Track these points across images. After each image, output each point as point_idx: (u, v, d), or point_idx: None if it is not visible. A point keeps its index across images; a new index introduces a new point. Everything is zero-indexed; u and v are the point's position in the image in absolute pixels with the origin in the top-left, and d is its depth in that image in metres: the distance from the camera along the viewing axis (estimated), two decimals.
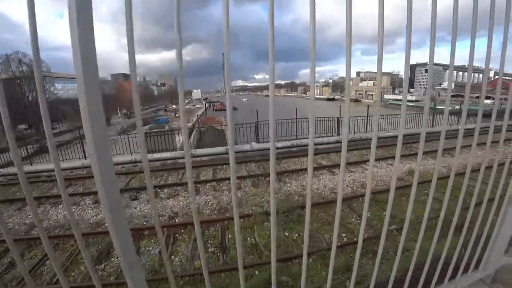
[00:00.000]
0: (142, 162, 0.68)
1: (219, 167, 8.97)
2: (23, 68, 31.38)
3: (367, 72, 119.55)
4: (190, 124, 36.11)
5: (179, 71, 0.66)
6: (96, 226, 5.80)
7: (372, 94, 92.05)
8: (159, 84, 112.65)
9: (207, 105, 76.33)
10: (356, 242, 4.56)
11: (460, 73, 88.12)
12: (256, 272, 3.89)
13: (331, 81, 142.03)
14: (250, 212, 5.68)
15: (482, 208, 1.34)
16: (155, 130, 23.64)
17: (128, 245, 0.73)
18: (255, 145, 10.80)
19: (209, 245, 4.76)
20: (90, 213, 6.37)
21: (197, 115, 48.36)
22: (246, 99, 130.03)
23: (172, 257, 4.53)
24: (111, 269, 4.41)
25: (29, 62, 32.18)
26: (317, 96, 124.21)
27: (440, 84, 79.61)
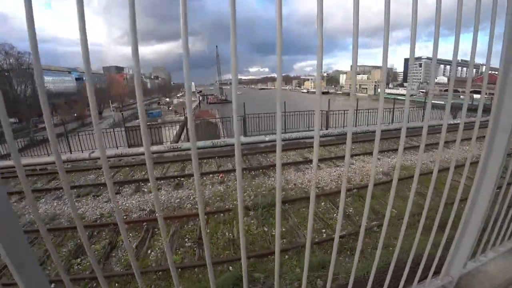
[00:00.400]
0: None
1: (204, 160, 8.93)
2: (11, 61, 30.56)
3: (362, 65, 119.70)
4: (183, 118, 35.98)
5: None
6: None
7: (366, 88, 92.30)
8: (152, 77, 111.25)
9: (201, 98, 75.82)
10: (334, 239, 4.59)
11: (459, 68, 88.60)
12: (230, 268, 3.89)
13: (325, 74, 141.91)
14: (231, 206, 5.68)
15: (440, 207, 1.26)
16: (148, 123, 23.44)
17: (15, 241, 0.68)
18: (242, 139, 10.75)
19: (186, 239, 4.75)
20: None
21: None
22: (241, 92, 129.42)
23: (149, 251, 4.51)
24: (87, 263, 4.39)
25: (16, 54, 31.42)
26: (312, 90, 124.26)
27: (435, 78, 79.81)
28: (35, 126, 34.30)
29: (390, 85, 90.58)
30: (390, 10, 0.78)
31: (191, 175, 7.59)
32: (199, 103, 64.48)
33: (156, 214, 0.72)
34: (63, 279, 0.83)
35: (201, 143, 10.35)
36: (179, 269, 3.91)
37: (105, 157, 0.68)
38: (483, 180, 1.35)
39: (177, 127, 15.90)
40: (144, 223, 5.30)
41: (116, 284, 3.78)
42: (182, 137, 19.71)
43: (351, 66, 0.77)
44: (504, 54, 1.07)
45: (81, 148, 11.04)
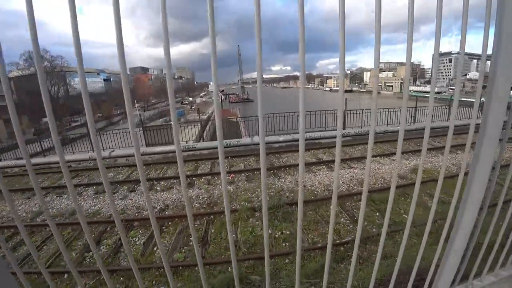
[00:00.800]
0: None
1: (218, 161, 9.04)
2: (45, 64, 32.95)
3: (387, 62, 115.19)
4: (205, 117, 36.81)
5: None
6: (93, 215, 6.06)
7: (392, 86, 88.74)
8: (176, 77, 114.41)
9: (223, 97, 76.90)
10: (339, 245, 4.45)
11: (488, 62, 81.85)
12: (229, 269, 3.92)
13: (349, 72, 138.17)
14: (237, 207, 5.71)
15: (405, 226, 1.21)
16: (170, 122, 24.35)
17: None
18: (256, 139, 10.76)
19: (191, 238, 4.86)
20: (90, 203, 6.67)
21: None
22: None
23: (155, 248, 4.67)
24: (100, 256, 4.62)
25: (50, 58, 33.98)
26: (335, 88, 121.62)
27: (466, 74, 75.08)
28: (68, 124, 36.69)
29: (418, 82, 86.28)
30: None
31: (203, 175, 7.74)
32: (221, 102, 65.37)
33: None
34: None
35: (215, 143, 10.51)
36: (180, 267, 4.02)
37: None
38: (469, 194, 1.25)
39: (194, 126, 16.17)
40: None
41: (121, 278, 3.95)
42: (204, 136, 20.14)
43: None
44: (495, 52, 0.99)
45: (103, 147, 11.61)
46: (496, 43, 0.97)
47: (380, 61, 0.77)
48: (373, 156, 8.78)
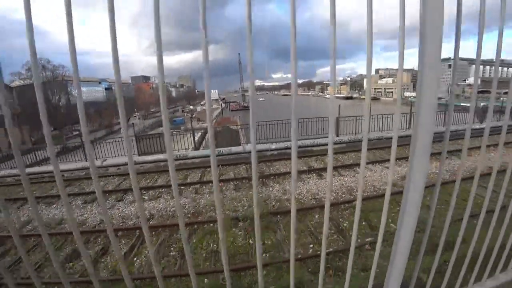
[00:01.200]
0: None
1: (208, 169, 9.05)
2: (46, 74, 33.59)
3: (387, 69, 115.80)
4: (205, 125, 36.95)
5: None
6: (78, 226, 6.04)
7: (392, 92, 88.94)
8: (177, 86, 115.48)
9: (223, 105, 77.38)
10: (319, 256, 4.38)
11: (488, 67, 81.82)
12: (206, 280, 3.88)
13: (349, 79, 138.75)
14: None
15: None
16: (171, 131, 24.50)
17: None
18: (248, 147, 10.78)
19: (172, 248, 4.83)
20: (77, 212, 6.66)
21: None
22: (263, 99, 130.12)
23: (135, 258, 4.64)
24: (80, 267, 4.59)
25: (52, 67, 34.61)
26: (336, 95, 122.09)
27: (465, 80, 75.17)
28: (70, 132, 36.98)
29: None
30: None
31: (192, 184, 7.74)
32: (222, 110, 65.65)
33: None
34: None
35: (206, 151, 10.54)
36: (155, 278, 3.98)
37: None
38: (404, 214, 1.18)
39: (190, 134, 16.28)
40: (137, 231, 5.46)
41: None
42: (204, 144, 20.24)
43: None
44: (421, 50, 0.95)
45: (101, 156, 11.68)
46: (421, 38, 0.92)
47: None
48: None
